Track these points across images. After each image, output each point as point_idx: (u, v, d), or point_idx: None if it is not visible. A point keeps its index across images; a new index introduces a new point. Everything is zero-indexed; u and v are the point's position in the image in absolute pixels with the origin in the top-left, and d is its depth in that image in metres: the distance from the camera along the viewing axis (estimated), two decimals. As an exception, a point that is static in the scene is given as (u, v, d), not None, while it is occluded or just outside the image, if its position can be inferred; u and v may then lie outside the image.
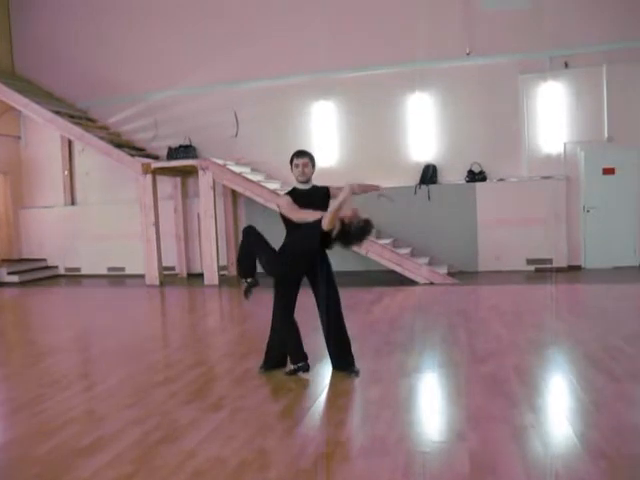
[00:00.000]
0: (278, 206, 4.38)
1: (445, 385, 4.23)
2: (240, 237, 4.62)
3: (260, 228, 4.47)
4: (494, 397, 3.81)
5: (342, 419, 3.68)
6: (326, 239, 4.17)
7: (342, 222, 4.09)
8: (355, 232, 4.12)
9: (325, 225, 4.01)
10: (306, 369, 4.46)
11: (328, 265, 4.51)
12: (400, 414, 3.64)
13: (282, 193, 4.61)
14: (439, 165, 10.28)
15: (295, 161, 4.47)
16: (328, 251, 4.51)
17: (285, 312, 4.44)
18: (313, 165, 4.53)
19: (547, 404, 3.74)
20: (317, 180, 4.58)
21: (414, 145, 10.42)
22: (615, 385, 3.96)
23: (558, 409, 3.64)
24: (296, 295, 4.47)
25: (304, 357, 4.47)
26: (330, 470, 2.94)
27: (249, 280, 4.51)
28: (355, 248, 8.91)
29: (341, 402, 3.96)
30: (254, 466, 3.00)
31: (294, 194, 4.40)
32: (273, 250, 4.35)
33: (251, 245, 4.41)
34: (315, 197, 4.43)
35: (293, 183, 4.56)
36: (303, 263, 4.37)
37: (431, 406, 3.83)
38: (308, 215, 4.14)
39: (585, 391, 3.86)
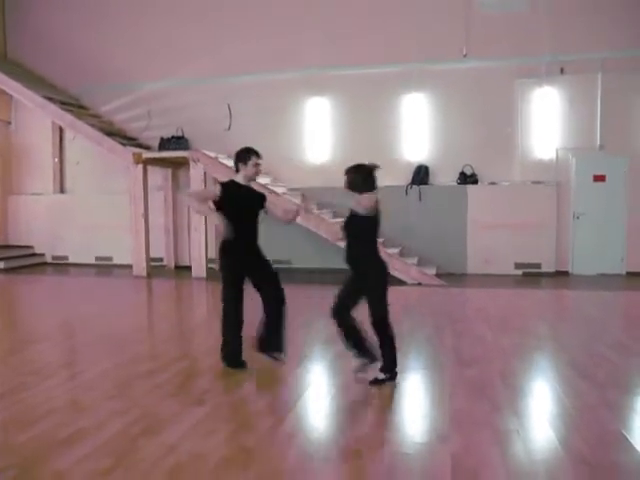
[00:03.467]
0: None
1: (429, 387, 4.24)
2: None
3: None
4: (478, 400, 3.82)
5: (324, 418, 3.67)
6: None
7: None
8: None
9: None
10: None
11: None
12: (383, 415, 3.64)
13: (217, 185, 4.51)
14: (431, 166, 10.28)
15: (256, 160, 4.48)
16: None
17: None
18: None
19: (530, 409, 3.75)
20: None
21: (407, 145, 10.41)
22: (598, 391, 3.97)
23: (541, 414, 3.65)
24: None
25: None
26: (311, 470, 2.93)
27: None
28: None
29: (324, 401, 3.94)
30: (235, 463, 2.98)
31: (234, 186, 4.48)
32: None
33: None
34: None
35: (235, 177, 4.53)
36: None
37: (414, 408, 3.83)
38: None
39: (568, 397, 3.87)
